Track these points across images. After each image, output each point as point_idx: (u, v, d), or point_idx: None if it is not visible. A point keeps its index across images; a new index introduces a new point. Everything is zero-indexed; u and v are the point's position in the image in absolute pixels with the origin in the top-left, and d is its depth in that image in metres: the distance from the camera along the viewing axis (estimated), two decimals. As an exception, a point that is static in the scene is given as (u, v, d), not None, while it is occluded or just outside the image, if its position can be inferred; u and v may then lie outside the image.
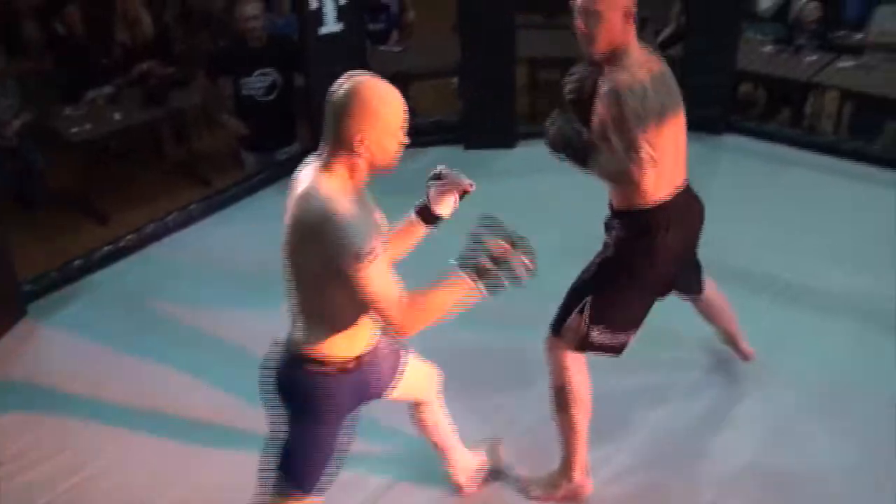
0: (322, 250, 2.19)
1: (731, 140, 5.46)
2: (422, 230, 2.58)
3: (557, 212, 4.64)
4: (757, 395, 3.54)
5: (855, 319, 3.92)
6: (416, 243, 2.59)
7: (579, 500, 3.08)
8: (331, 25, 4.87)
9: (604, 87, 2.73)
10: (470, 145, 5.21)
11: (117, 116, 5.93)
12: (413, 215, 2.55)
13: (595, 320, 2.90)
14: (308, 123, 5.23)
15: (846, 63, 6.21)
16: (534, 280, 2.41)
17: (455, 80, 6.54)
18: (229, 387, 3.55)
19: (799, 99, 6.50)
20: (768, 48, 6.54)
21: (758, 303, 3.99)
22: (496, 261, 2.30)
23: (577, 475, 3.05)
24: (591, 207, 4.62)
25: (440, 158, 4.83)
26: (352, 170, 2.27)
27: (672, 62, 6.14)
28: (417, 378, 2.77)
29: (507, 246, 2.30)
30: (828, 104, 6.34)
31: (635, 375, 3.55)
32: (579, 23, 2.74)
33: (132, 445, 3.36)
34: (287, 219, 2.28)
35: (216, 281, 4.28)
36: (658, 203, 2.83)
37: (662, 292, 3.03)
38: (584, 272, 2.99)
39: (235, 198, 5.04)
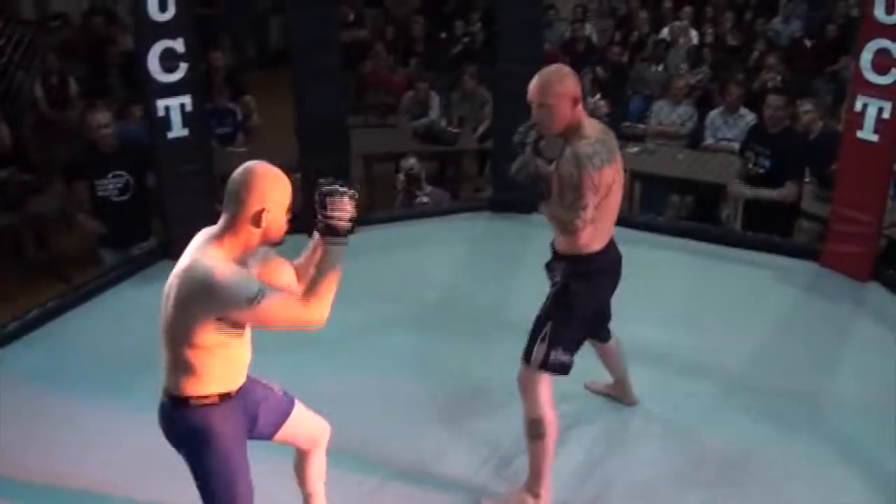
0: (211, 306, 2.33)
1: (539, 218, 5.61)
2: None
3: (400, 286, 4.85)
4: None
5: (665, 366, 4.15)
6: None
7: None
8: (178, 130, 4.87)
9: (567, 151, 3.00)
10: (312, 234, 5.28)
11: (-22, 221, 5.72)
12: (316, 238, 2.60)
13: (554, 343, 3.14)
14: (162, 219, 5.19)
15: (633, 149, 6.65)
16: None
17: (298, 175, 6.62)
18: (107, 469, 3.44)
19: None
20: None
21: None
22: (341, 214, 2.47)
23: (544, 492, 3.23)
24: (425, 278, 4.85)
25: (289, 245, 4.91)
26: (246, 241, 2.42)
27: (486, 154, 6.43)
28: (307, 428, 2.83)
29: (343, 199, 2.47)
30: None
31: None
32: (535, 113, 3.02)
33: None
34: (168, 287, 2.41)
35: (79, 373, 4.12)
36: (597, 252, 3.14)
37: (594, 327, 3.44)
38: (543, 306, 3.23)
39: (94, 293, 4.90)
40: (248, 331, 2.52)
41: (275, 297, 2.38)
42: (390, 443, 3.60)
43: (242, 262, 2.42)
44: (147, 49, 4.71)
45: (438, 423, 3.74)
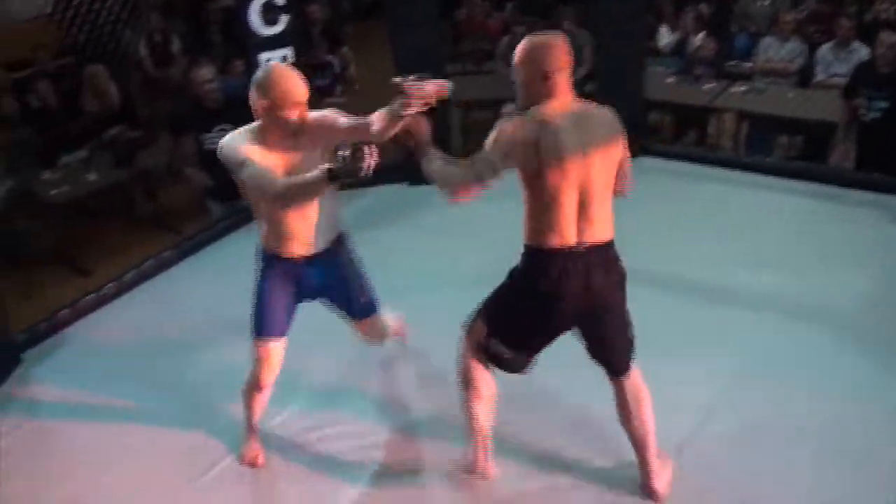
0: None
1: (646, 162, 5.58)
2: None
3: (494, 236, 4.72)
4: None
5: (770, 311, 4.03)
6: None
7: (484, 478, 3.12)
8: (280, 84, 4.91)
9: None
10: (413, 182, 5.28)
11: (91, 178, 5.91)
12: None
13: (491, 332, 2.89)
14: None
15: (739, 88, 6.42)
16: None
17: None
18: (198, 424, 3.55)
19: (701, 121, 6.69)
20: (671, 79, 6.74)
21: (684, 304, 4.09)
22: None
23: (480, 458, 3.09)
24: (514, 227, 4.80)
25: (386, 196, 4.98)
26: (265, 128, 3.01)
27: (588, 97, 6.25)
28: (379, 328, 3.42)
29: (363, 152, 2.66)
30: (727, 125, 6.53)
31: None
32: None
33: (118, 478, 3.34)
34: None
35: (190, 324, 4.26)
36: (545, 251, 2.72)
37: (553, 332, 2.88)
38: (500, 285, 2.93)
39: (203, 244, 5.04)
40: (302, 210, 2.99)
41: (254, 169, 2.85)
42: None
43: (266, 141, 2.96)
44: (248, 3, 4.76)
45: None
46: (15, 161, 6.06)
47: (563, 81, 2.71)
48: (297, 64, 4.93)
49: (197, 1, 8.23)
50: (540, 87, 2.69)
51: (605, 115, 2.80)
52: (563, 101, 2.72)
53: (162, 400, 3.72)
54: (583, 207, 2.70)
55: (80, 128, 6.26)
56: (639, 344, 2.92)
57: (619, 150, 2.78)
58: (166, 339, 4.15)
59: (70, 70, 6.65)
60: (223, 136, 5.06)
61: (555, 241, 2.70)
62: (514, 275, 2.86)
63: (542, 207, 2.69)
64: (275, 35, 4.85)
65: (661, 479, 3.02)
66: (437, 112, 5.14)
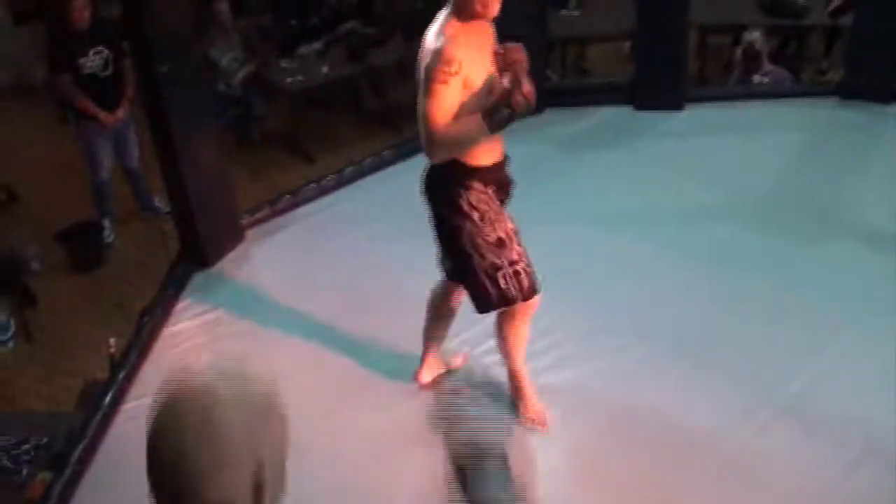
0: None
1: (896, 109, 5.07)
2: None
3: (722, 171, 4.50)
4: None
5: None
6: None
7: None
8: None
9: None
10: (640, 106, 5.07)
11: (325, 70, 6.08)
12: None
13: None
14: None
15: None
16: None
17: (628, 43, 6.37)
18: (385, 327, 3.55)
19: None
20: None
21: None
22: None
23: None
24: (753, 167, 4.51)
25: (610, 117, 4.73)
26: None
27: (838, 32, 5.60)
28: None
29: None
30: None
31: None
32: None
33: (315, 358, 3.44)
34: None
35: (401, 224, 4.29)
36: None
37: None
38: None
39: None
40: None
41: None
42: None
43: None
44: None
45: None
46: (255, 47, 6.33)
47: None
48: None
49: None
50: None
51: None
52: None
53: (368, 299, 3.76)
54: None
55: (318, 20, 6.42)
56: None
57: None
58: (374, 235, 4.21)
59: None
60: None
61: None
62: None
63: None
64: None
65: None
66: (672, 32, 4.94)
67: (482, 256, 2.69)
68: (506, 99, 2.43)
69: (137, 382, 3.46)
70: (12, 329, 4.76)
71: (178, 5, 3.68)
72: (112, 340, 3.64)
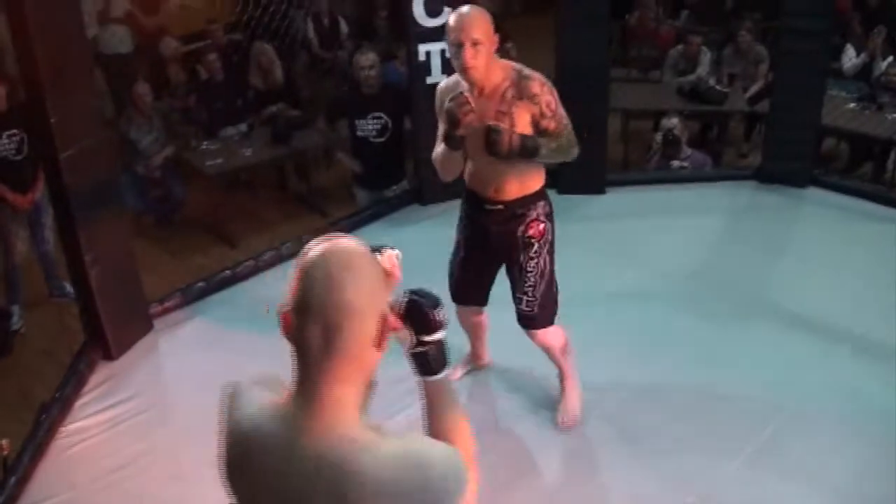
0: None
1: (814, 193, 5.08)
2: None
3: (644, 254, 4.47)
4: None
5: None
6: None
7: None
8: (437, 76, 4.77)
9: (516, 89, 2.83)
10: (562, 190, 5.04)
11: (248, 153, 5.96)
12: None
13: (555, 298, 3.18)
14: (414, 164, 5.16)
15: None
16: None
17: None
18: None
19: (881, 155, 6.14)
20: (852, 105, 6.19)
21: (834, 352, 3.69)
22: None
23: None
24: (674, 250, 4.49)
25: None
26: (367, 377, 1.45)
27: (757, 117, 5.75)
28: None
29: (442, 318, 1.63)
30: (910, 161, 5.97)
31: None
32: (465, 52, 2.76)
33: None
34: None
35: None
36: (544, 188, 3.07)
37: None
38: (541, 264, 3.07)
39: (346, 230, 4.96)
40: None
41: None
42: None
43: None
44: (412, -7, 4.64)
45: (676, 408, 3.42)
46: (176, 129, 6.19)
47: None
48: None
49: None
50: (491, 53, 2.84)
51: None
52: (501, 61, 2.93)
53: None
54: None
55: (242, 102, 6.32)
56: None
57: None
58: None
59: (239, 46, 6.73)
60: (376, 123, 5.11)
61: None
62: (536, 236, 3.01)
63: None
64: (436, 27, 4.68)
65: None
66: (594, 119, 4.98)
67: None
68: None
69: (29, 488, 3.20)
70: None
71: (82, 88, 3.53)
72: (4, 442, 3.37)
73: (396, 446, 1.38)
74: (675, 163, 5.54)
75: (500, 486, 3.01)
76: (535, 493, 3.09)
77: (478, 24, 2.75)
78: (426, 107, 4.87)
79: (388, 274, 1.57)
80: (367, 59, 5.00)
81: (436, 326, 1.60)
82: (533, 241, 3.01)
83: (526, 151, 2.81)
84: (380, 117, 5.00)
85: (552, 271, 3.09)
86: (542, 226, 3.01)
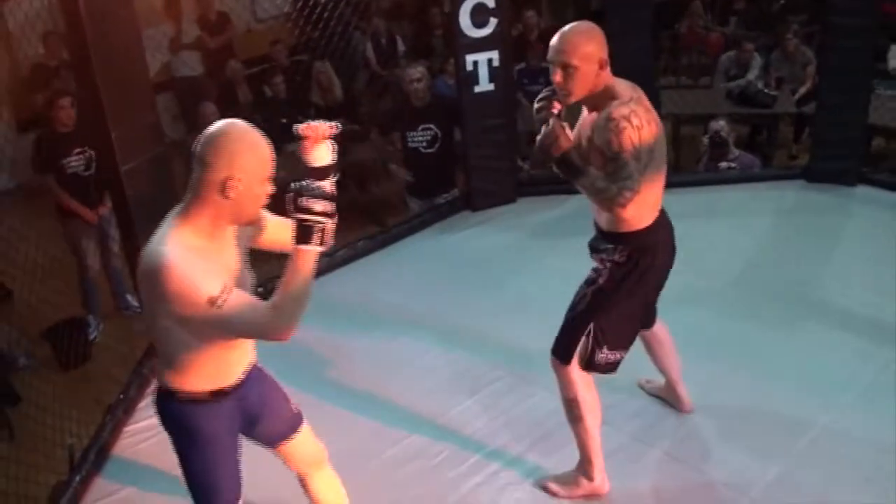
0: (166, 303, 1.93)
1: (864, 192, 4.86)
2: None
3: (693, 255, 4.11)
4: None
5: None
6: None
7: (598, 498, 2.88)
8: (484, 85, 4.70)
9: (602, 115, 2.49)
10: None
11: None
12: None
13: (599, 343, 2.69)
14: (464, 171, 5.08)
15: None
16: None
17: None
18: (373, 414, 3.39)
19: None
20: (900, 104, 5.90)
21: (882, 353, 3.46)
22: (320, 215, 1.97)
23: (597, 476, 2.86)
24: (723, 250, 4.31)
25: (580, 205, 4.48)
26: (214, 215, 1.98)
27: (805, 119, 5.49)
28: (310, 448, 2.48)
29: (325, 203, 1.99)
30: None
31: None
32: (557, 75, 2.50)
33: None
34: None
35: (378, 312, 4.15)
36: (647, 227, 2.61)
37: (649, 307, 2.87)
38: (580, 299, 2.73)
39: (400, 236, 4.92)
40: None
41: (240, 298, 1.94)
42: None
43: (212, 242, 2.00)
44: (460, 4, 4.57)
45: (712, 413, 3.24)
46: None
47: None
48: (503, 68, 4.71)
49: (421, 6, 8.21)
50: (599, 74, 2.51)
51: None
52: (620, 83, 2.57)
53: (333, 389, 3.58)
54: (662, 176, 2.63)
55: (304, 119, 6.31)
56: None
57: None
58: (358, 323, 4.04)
59: (302, 66, 6.76)
60: (426, 135, 5.04)
61: (653, 216, 2.63)
62: (605, 274, 2.67)
63: (650, 189, 2.53)
64: (483, 37, 4.62)
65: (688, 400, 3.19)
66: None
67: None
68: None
69: (94, 485, 3.21)
70: (-7, 429, 4.51)
71: (141, 106, 3.55)
72: (73, 440, 3.39)
73: (151, 250, 1.96)
74: (724, 164, 5.34)
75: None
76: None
77: (571, 47, 2.47)
78: (475, 116, 4.85)
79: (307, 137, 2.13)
80: (416, 72, 4.95)
81: (305, 209, 1.95)
82: (589, 277, 2.74)
83: (564, 166, 2.50)
84: (430, 128, 4.94)
85: (589, 316, 2.69)
86: (599, 271, 2.70)
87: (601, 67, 2.50)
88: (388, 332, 3.94)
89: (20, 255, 5.81)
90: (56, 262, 5.63)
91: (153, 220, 3.47)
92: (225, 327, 1.98)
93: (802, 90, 6.38)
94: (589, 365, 2.72)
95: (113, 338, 5.20)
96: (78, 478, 3.17)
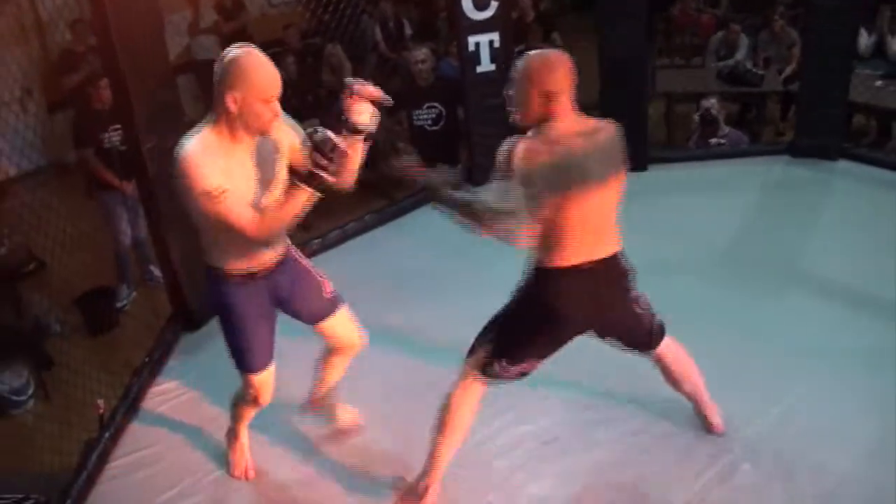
0: (186, 189, 2.24)
1: (845, 166, 4.86)
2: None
3: (682, 227, 4.32)
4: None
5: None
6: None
7: None
8: (486, 65, 4.70)
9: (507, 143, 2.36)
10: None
11: (319, 144, 5.97)
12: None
13: (496, 355, 2.54)
14: (468, 147, 5.09)
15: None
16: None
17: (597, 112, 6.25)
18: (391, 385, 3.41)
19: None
20: (878, 82, 5.90)
21: (860, 321, 3.48)
22: (324, 164, 2.15)
23: (431, 488, 2.71)
24: (711, 223, 4.32)
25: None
26: (227, 124, 2.26)
27: (792, 96, 5.45)
28: (344, 332, 2.74)
29: (328, 153, 2.14)
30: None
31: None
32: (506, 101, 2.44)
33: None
34: None
35: (386, 282, 4.17)
36: (561, 267, 2.40)
37: (566, 339, 2.55)
38: (503, 308, 2.57)
39: (405, 210, 4.95)
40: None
41: (233, 203, 2.24)
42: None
43: (232, 143, 2.28)
44: (462, -13, 4.57)
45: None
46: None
47: (565, 102, 2.36)
48: (503, 49, 4.70)
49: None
50: (546, 106, 2.35)
51: (611, 132, 2.42)
52: (568, 122, 2.37)
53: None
54: (593, 226, 2.40)
55: (313, 98, 6.33)
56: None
57: (625, 167, 2.45)
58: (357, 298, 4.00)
59: (313, 49, 6.74)
60: (431, 113, 5.07)
61: (564, 261, 2.40)
62: (520, 296, 2.52)
63: (552, 228, 2.36)
64: (484, 19, 4.61)
65: (718, 415, 2.93)
66: (636, 103, 4.85)
67: None
68: None
69: (123, 441, 3.28)
70: (30, 390, 4.59)
71: (162, 86, 3.56)
72: (101, 401, 3.45)
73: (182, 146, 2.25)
74: (714, 140, 5.35)
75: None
76: (564, 471, 3.00)
77: (516, 75, 2.39)
78: (477, 95, 4.85)
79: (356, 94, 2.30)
80: (420, 53, 4.97)
81: (310, 156, 2.13)
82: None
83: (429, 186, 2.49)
84: (434, 107, 4.96)
85: (499, 324, 2.56)
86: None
87: (547, 99, 2.35)
88: (393, 303, 3.92)
89: (52, 229, 5.89)
90: (85, 235, 5.70)
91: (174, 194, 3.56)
92: (218, 218, 2.25)
93: (788, 70, 6.36)
94: (484, 371, 2.57)
95: (138, 305, 5.27)
96: (107, 434, 3.22)
